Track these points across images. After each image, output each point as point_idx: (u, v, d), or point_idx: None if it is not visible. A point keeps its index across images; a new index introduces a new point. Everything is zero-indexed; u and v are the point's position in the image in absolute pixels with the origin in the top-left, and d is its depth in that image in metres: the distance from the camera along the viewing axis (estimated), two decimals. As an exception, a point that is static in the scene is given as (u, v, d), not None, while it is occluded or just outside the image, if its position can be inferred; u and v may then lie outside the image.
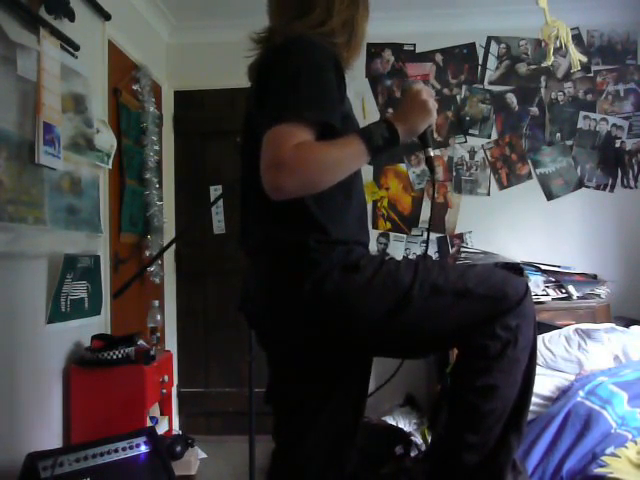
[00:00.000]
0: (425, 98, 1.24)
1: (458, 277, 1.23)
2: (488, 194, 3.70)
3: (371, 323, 1.20)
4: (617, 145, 3.64)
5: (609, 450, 1.66)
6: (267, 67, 1.23)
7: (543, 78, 3.68)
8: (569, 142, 3.66)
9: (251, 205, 1.33)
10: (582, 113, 3.66)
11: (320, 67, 1.19)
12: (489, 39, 3.70)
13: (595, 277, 3.38)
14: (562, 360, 2.34)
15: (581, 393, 1.92)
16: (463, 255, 3.52)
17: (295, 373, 1.37)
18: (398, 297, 1.19)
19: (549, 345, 2.42)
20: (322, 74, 1.18)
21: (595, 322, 2.82)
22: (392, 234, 3.70)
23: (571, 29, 2.75)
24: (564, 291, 3.20)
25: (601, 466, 1.61)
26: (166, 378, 2.70)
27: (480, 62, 3.71)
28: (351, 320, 1.20)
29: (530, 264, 3.28)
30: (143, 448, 2.12)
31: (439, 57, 3.69)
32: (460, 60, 3.71)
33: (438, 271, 1.24)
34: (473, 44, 3.71)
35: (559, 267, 3.36)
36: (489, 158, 3.70)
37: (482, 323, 1.21)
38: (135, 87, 3.22)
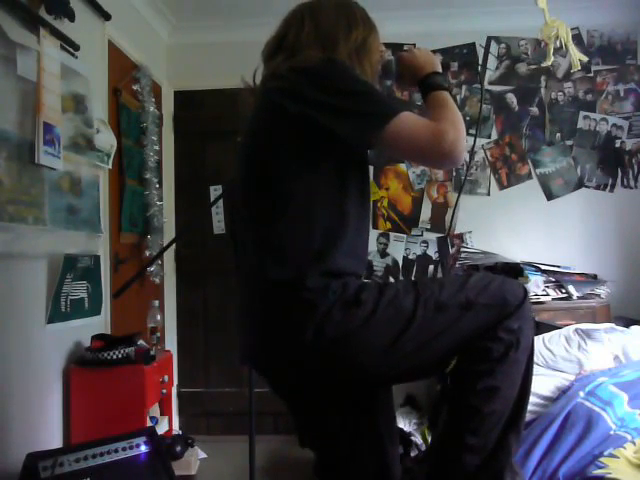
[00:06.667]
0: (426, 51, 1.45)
1: (458, 290, 1.22)
2: (488, 194, 3.69)
3: (379, 357, 1.18)
4: (617, 145, 3.64)
5: (607, 452, 1.66)
6: (313, 84, 1.23)
7: (543, 78, 3.68)
8: (569, 142, 3.66)
9: (246, 239, 1.30)
10: (582, 113, 3.66)
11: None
12: (489, 39, 3.70)
13: (595, 277, 3.38)
14: (562, 360, 2.33)
15: (581, 394, 1.92)
16: (463, 255, 3.52)
17: (317, 414, 1.35)
18: (403, 323, 1.17)
19: (549, 345, 2.41)
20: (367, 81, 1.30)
21: (595, 322, 2.82)
22: (392, 234, 3.70)
23: (571, 29, 2.75)
24: (564, 291, 3.20)
25: (600, 467, 1.61)
26: (166, 378, 2.70)
27: (480, 62, 3.71)
28: (358, 359, 1.18)
29: (530, 264, 3.28)
30: (143, 448, 2.12)
31: (439, 57, 3.68)
32: (460, 60, 3.71)
33: (438, 287, 1.23)
34: (473, 44, 3.71)
35: (559, 267, 3.35)
36: (489, 158, 3.70)
37: (486, 329, 1.21)
38: (135, 87, 3.22)
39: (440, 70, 1.40)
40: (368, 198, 1.35)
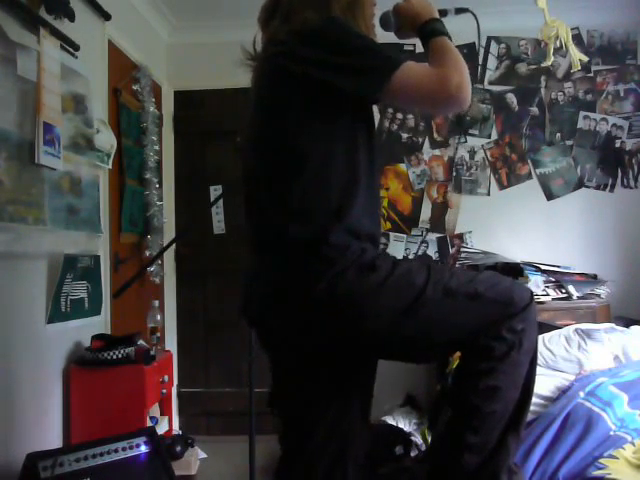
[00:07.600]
0: None
1: (468, 281, 1.25)
2: (488, 194, 3.69)
3: (383, 324, 1.21)
4: (617, 145, 3.64)
5: (607, 453, 1.66)
6: (321, 42, 1.25)
7: (543, 78, 3.68)
8: (569, 142, 3.66)
9: (262, 202, 1.32)
10: (582, 113, 3.66)
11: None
12: (489, 39, 3.70)
13: (595, 277, 3.38)
14: (562, 360, 2.33)
15: (581, 394, 1.92)
16: (463, 255, 3.52)
17: (299, 374, 1.36)
18: (412, 298, 1.20)
19: (549, 345, 2.41)
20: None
21: (595, 322, 2.82)
22: (392, 234, 3.70)
23: (571, 29, 2.76)
24: (564, 291, 3.20)
25: (599, 468, 1.61)
26: (166, 378, 2.70)
27: (480, 62, 3.71)
28: (363, 321, 1.21)
29: (530, 264, 3.28)
30: (143, 448, 2.12)
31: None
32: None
33: (449, 274, 1.26)
34: (473, 44, 3.70)
35: (559, 267, 3.36)
36: (489, 158, 3.70)
37: (489, 325, 1.23)
38: (135, 87, 3.22)
39: (438, 16, 1.41)
40: (375, 155, 1.36)
